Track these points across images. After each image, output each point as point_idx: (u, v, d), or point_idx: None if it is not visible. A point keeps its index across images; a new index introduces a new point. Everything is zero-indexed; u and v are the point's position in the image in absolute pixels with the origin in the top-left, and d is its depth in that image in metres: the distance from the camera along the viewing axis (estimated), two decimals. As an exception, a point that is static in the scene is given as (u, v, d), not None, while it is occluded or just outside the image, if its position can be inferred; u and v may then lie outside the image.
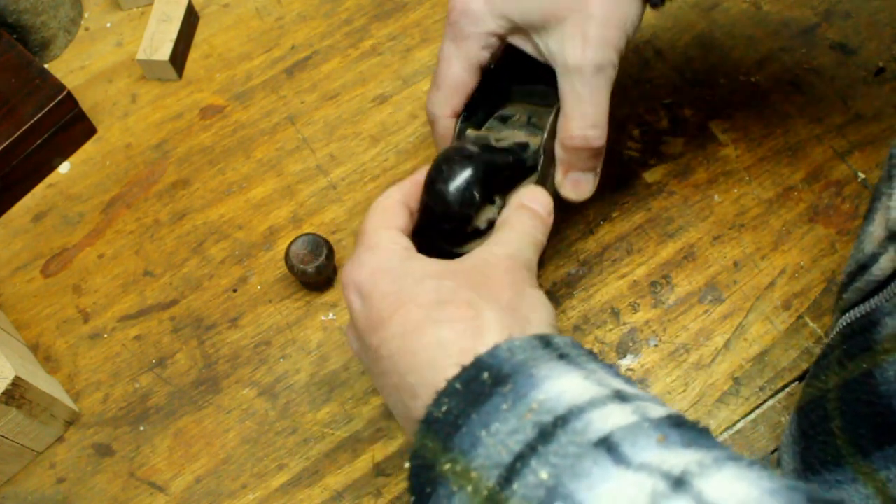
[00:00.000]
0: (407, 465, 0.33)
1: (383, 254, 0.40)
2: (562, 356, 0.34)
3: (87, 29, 0.74)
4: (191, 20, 0.72)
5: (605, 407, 0.31)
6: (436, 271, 0.39)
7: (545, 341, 0.35)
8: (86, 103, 0.69)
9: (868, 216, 0.45)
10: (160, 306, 0.61)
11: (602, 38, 0.43)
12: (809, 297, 0.58)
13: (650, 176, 0.63)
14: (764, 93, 0.66)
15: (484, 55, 0.46)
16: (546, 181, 0.47)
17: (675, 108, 0.66)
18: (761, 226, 0.61)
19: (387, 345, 0.37)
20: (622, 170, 0.63)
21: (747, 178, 0.63)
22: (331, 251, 0.58)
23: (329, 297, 0.61)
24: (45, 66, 0.69)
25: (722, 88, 0.66)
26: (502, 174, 0.44)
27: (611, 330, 0.58)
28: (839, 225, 0.60)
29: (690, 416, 0.55)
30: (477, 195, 0.42)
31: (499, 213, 0.44)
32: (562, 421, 0.30)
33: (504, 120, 0.49)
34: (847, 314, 0.45)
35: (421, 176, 0.44)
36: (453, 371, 0.33)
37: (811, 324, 0.57)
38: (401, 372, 0.36)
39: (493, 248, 0.41)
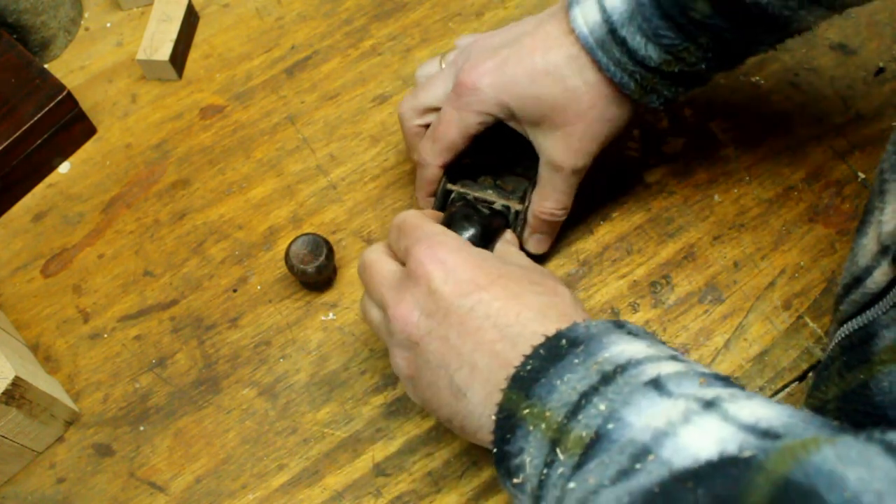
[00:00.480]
0: (493, 417, 0.38)
1: (454, 237, 0.45)
2: (631, 333, 0.39)
3: (87, 29, 0.74)
4: (191, 20, 0.72)
5: (659, 361, 0.36)
6: (512, 262, 0.46)
7: (619, 324, 0.40)
8: (86, 103, 0.69)
9: (860, 229, 0.45)
10: (160, 306, 0.61)
11: (584, 150, 0.52)
12: (809, 297, 0.58)
13: (650, 176, 0.63)
14: (764, 93, 0.66)
15: (479, 128, 0.52)
16: (521, 231, 0.57)
17: (675, 108, 0.66)
18: (761, 226, 0.61)
19: (486, 305, 0.41)
20: (622, 170, 0.64)
21: (747, 178, 0.63)
22: (331, 251, 0.58)
23: (329, 297, 0.61)
24: (45, 66, 0.69)
25: (722, 88, 0.66)
26: (498, 231, 0.53)
27: (611, 330, 0.58)
28: (839, 225, 0.60)
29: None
30: (490, 246, 0.51)
31: None
32: (621, 369, 0.36)
33: (473, 179, 0.57)
34: (844, 326, 0.46)
35: (429, 213, 0.51)
36: (555, 328, 0.39)
37: (811, 324, 0.57)
38: (501, 325, 0.40)
39: (526, 260, 0.49)
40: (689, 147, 0.64)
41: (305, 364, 0.58)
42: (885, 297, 0.43)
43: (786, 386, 0.55)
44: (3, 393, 0.51)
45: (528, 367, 0.38)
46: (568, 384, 0.36)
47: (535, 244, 0.58)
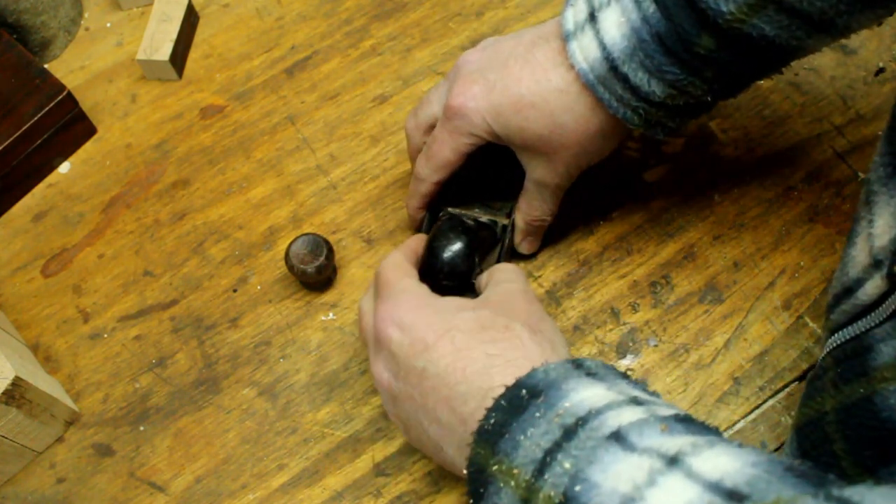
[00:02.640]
0: (465, 471, 0.39)
1: (416, 293, 0.46)
2: (589, 374, 0.39)
3: (87, 29, 0.74)
4: (191, 20, 0.72)
5: (619, 409, 0.36)
6: (469, 305, 0.46)
7: (577, 364, 0.40)
8: (86, 103, 0.69)
9: (849, 239, 0.45)
10: (160, 306, 0.61)
11: (568, 174, 0.53)
12: (809, 297, 0.58)
13: (650, 176, 0.63)
14: (764, 93, 0.66)
15: (471, 148, 0.53)
16: (509, 243, 0.59)
17: (675, 108, 0.66)
18: (761, 226, 0.61)
19: (434, 364, 0.42)
20: (622, 170, 0.63)
21: (747, 178, 0.63)
22: (331, 251, 0.58)
23: (329, 297, 0.61)
24: (45, 66, 0.69)
25: (722, 88, 0.66)
26: (486, 243, 0.56)
27: (611, 330, 0.58)
28: (839, 225, 0.60)
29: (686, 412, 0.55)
30: (476, 259, 0.54)
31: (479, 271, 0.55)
32: (582, 421, 0.36)
33: (463, 201, 0.59)
34: (835, 335, 0.46)
35: (415, 243, 0.53)
36: (500, 381, 0.39)
37: (811, 324, 0.57)
38: (451, 384, 0.41)
39: (508, 285, 0.48)
40: (689, 147, 0.64)
41: (305, 364, 0.58)
42: (876, 308, 0.43)
43: (786, 386, 0.55)
44: (3, 393, 0.51)
45: (492, 421, 0.38)
46: (531, 439, 0.36)
47: (527, 246, 0.60)
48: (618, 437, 0.34)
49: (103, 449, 0.57)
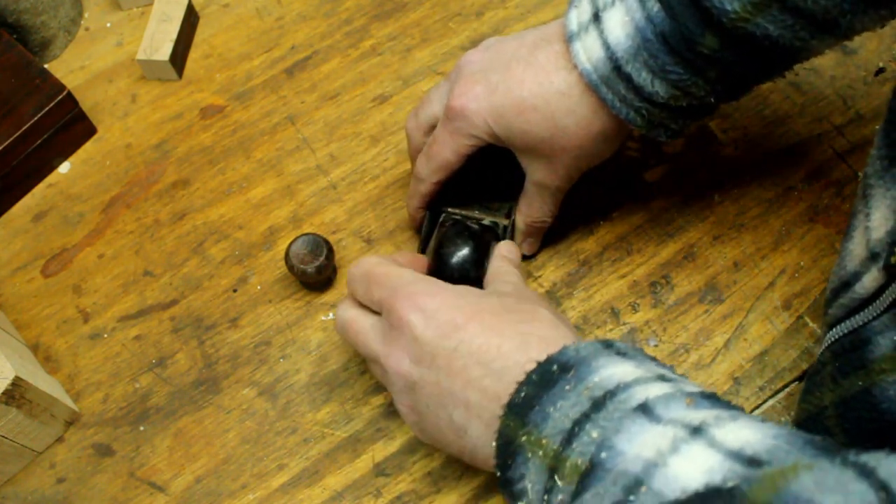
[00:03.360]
0: (493, 444, 0.39)
1: (428, 281, 0.46)
2: (620, 353, 0.40)
3: (87, 29, 0.74)
4: (191, 20, 0.72)
5: (647, 384, 0.37)
6: (489, 293, 0.46)
7: (607, 343, 0.40)
8: (86, 103, 0.69)
9: (847, 233, 0.45)
10: (160, 306, 0.61)
11: (568, 176, 0.54)
12: (809, 297, 0.58)
13: (650, 176, 0.63)
14: (764, 93, 0.66)
15: (471, 149, 0.53)
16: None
17: (675, 108, 0.66)
18: (761, 226, 0.61)
19: (468, 343, 0.42)
20: (622, 170, 0.63)
21: (747, 178, 0.63)
22: (331, 251, 0.58)
23: (329, 297, 0.61)
24: (45, 66, 0.69)
25: (722, 88, 0.66)
26: (489, 245, 0.56)
27: (611, 330, 0.58)
28: (839, 225, 0.60)
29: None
30: (485, 263, 0.54)
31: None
32: (610, 394, 0.36)
33: (462, 201, 0.59)
34: (834, 329, 0.46)
35: (403, 258, 0.52)
36: (536, 356, 0.40)
37: (811, 324, 0.57)
38: (485, 361, 0.41)
39: (514, 281, 0.50)
40: (689, 147, 0.64)
41: (305, 364, 0.59)
42: (874, 301, 0.43)
43: (786, 386, 0.55)
44: (3, 393, 0.51)
45: (523, 394, 0.38)
46: (561, 411, 0.37)
47: (528, 247, 0.60)
48: (644, 409, 0.35)
49: (103, 449, 0.57)
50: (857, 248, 0.44)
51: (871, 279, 0.42)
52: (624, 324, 0.58)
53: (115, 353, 0.60)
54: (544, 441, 0.37)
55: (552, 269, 0.60)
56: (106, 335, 0.61)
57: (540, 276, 0.60)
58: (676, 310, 0.58)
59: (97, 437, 0.57)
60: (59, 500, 0.55)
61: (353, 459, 0.55)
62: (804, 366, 0.56)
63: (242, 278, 0.62)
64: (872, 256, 0.42)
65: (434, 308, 0.43)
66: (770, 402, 0.55)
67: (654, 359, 0.41)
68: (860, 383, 0.41)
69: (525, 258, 0.60)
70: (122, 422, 0.58)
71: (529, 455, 0.37)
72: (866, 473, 0.27)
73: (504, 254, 0.54)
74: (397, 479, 0.54)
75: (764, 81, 0.49)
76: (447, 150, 0.53)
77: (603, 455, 0.34)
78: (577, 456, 0.35)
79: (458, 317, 0.43)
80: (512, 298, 0.45)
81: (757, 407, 0.55)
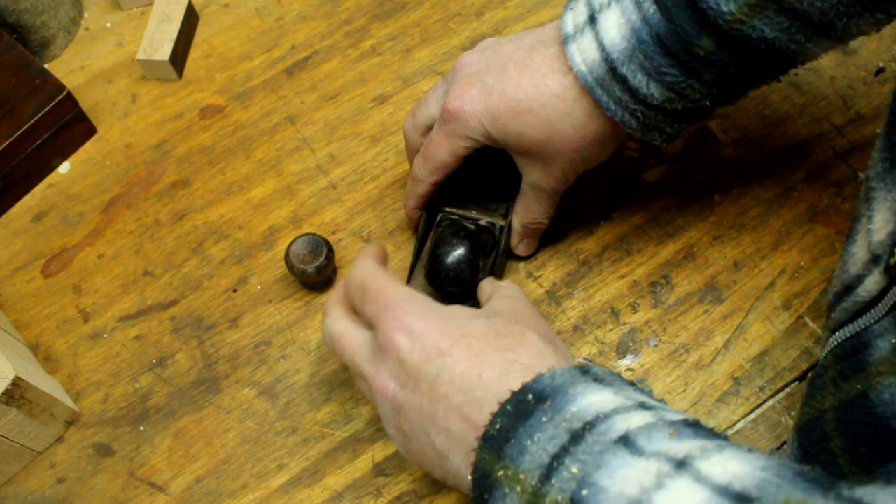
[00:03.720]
0: (469, 478, 0.38)
1: (420, 300, 0.44)
2: (597, 380, 0.39)
3: (87, 29, 0.74)
4: (191, 20, 0.72)
5: (627, 413, 0.36)
6: (480, 313, 0.45)
7: (583, 370, 0.39)
8: (86, 103, 0.69)
9: (849, 236, 0.45)
10: (160, 306, 0.61)
11: (564, 178, 0.54)
12: (809, 297, 0.58)
13: (650, 176, 0.63)
14: (764, 93, 0.66)
15: (468, 150, 0.53)
16: (505, 244, 0.59)
17: (675, 108, 0.66)
18: (761, 226, 0.61)
19: (450, 370, 0.41)
20: (622, 170, 0.63)
21: (747, 178, 0.63)
22: (331, 251, 0.58)
23: (329, 297, 0.61)
24: (45, 66, 0.69)
25: (722, 88, 0.66)
26: (486, 246, 0.56)
27: (611, 330, 0.58)
28: (839, 225, 0.60)
29: (690, 416, 0.55)
30: (480, 263, 0.54)
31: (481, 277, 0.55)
32: (589, 426, 0.35)
33: (459, 201, 0.59)
34: (836, 334, 0.46)
35: (374, 250, 0.50)
36: (521, 383, 0.38)
37: (811, 324, 0.57)
38: (466, 389, 0.40)
39: (512, 300, 0.48)
40: (689, 147, 0.64)
41: (305, 364, 0.59)
42: (877, 305, 0.43)
43: (786, 386, 0.55)
44: (3, 393, 0.51)
45: (498, 426, 0.37)
46: (538, 444, 0.36)
47: (524, 248, 0.60)
48: (626, 442, 0.34)
49: (103, 449, 0.57)
50: (859, 251, 0.44)
51: (872, 282, 0.42)
52: (624, 324, 0.58)
53: (115, 353, 0.60)
54: (522, 476, 0.35)
55: (552, 269, 0.60)
56: (106, 335, 0.61)
57: (540, 276, 0.60)
58: (676, 310, 0.58)
59: (97, 437, 0.57)
60: (59, 500, 0.55)
61: (353, 459, 0.55)
62: (804, 366, 0.56)
63: (242, 278, 0.62)
64: (874, 259, 0.42)
65: (420, 331, 0.42)
66: (770, 402, 0.55)
67: (632, 384, 0.40)
68: (859, 387, 0.40)
69: (524, 258, 0.60)
70: (122, 422, 0.58)
71: (507, 490, 0.36)
72: None
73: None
74: (397, 479, 0.54)
75: (760, 86, 0.48)
76: (443, 152, 0.53)
77: (584, 492, 0.33)
78: (557, 493, 0.34)
79: (443, 342, 0.42)
80: (502, 320, 0.44)
81: (757, 407, 0.55)
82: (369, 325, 0.45)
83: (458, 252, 0.53)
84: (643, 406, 0.37)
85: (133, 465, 0.56)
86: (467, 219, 0.57)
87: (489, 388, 0.40)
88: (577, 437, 0.35)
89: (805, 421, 0.45)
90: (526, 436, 0.36)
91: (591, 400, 0.37)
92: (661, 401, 0.39)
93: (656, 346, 0.57)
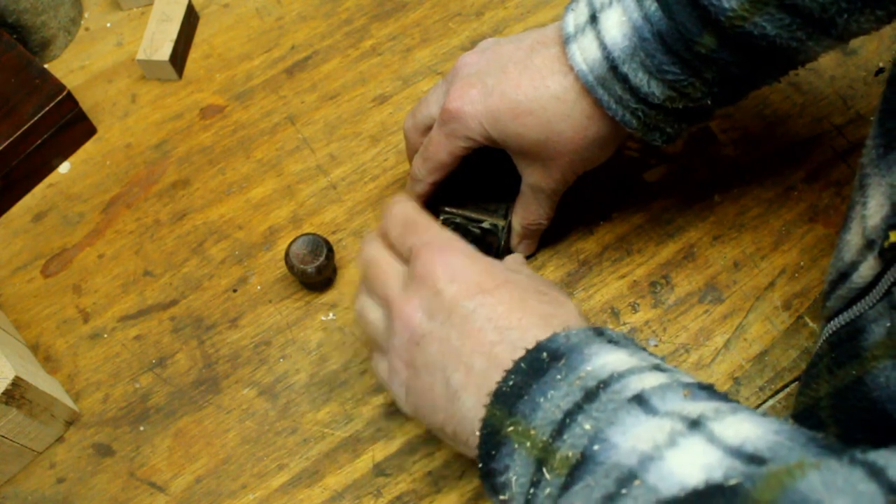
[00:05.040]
0: (477, 433, 0.38)
1: (463, 245, 0.44)
2: (612, 341, 0.39)
3: (87, 29, 0.74)
4: (191, 20, 0.72)
5: (642, 373, 0.36)
6: (521, 271, 0.45)
7: (598, 331, 0.39)
8: (86, 103, 0.69)
9: (844, 224, 0.45)
10: (160, 306, 0.61)
11: (564, 179, 0.54)
12: (809, 297, 0.58)
13: (650, 176, 0.63)
14: (764, 93, 0.66)
15: (466, 151, 0.53)
16: (505, 244, 0.60)
17: (675, 108, 0.66)
18: (761, 226, 0.61)
19: (488, 308, 0.41)
20: (622, 170, 0.63)
21: (747, 178, 0.63)
22: (331, 251, 0.58)
23: (329, 297, 0.61)
24: (45, 66, 0.69)
25: (722, 88, 0.66)
26: (490, 247, 0.56)
27: (611, 330, 0.58)
28: (839, 225, 0.60)
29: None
30: None
31: None
32: (604, 384, 0.35)
33: (459, 200, 0.58)
34: (831, 322, 0.46)
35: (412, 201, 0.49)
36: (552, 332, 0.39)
37: (811, 324, 0.57)
38: (503, 328, 0.40)
39: (528, 273, 0.48)
40: (689, 147, 0.64)
41: (305, 364, 0.59)
42: (871, 291, 0.43)
43: (786, 386, 0.55)
44: (3, 393, 0.51)
45: (511, 383, 0.37)
46: (552, 401, 0.36)
47: (524, 249, 0.60)
48: (640, 401, 0.34)
49: (103, 449, 0.57)
50: (854, 238, 0.44)
51: (867, 267, 0.42)
52: (624, 324, 0.58)
53: (115, 353, 0.60)
54: (532, 432, 0.35)
55: (552, 269, 0.60)
56: (106, 335, 0.61)
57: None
58: (676, 310, 0.58)
59: (97, 437, 0.57)
60: (59, 500, 0.55)
61: (353, 459, 0.55)
62: (804, 366, 0.56)
63: (242, 278, 0.62)
64: (869, 244, 0.42)
65: (462, 267, 0.42)
66: (770, 402, 0.55)
67: (645, 349, 0.40)
68: (854, 373, 0.41)
69: (524, 258, 0.61)
70: (122, 422, 0.58)
71: (516, 446, 0.36)
72: (875, 473, 0.26)
73: (516, 257, 0.53)
74: (397, 479, 0.54)
75: (761, 86, 0.48)
76: (442, 152, 0.53)
77: (595, 447, 0.33)
78: (568, 448, 0.34)
79: (486, 280, 0.42)
80: (542, 283, 0.44)
81: (757, 407, 0.55)
82: (407, 259, 0.44)
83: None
84: (658, 368, 0.37)
85: (133, 465, 0.56)
86: (471, 220, 0.57)
87: (527, 332, 0.40)
88: (591, 394, 0.35)
89: (800, 410, 0.45)
90: (539, 393, 0.36)
91: (606, 360, 0.37)
92: (675, 367, 0.39)
93: (656, 346, 0.57)
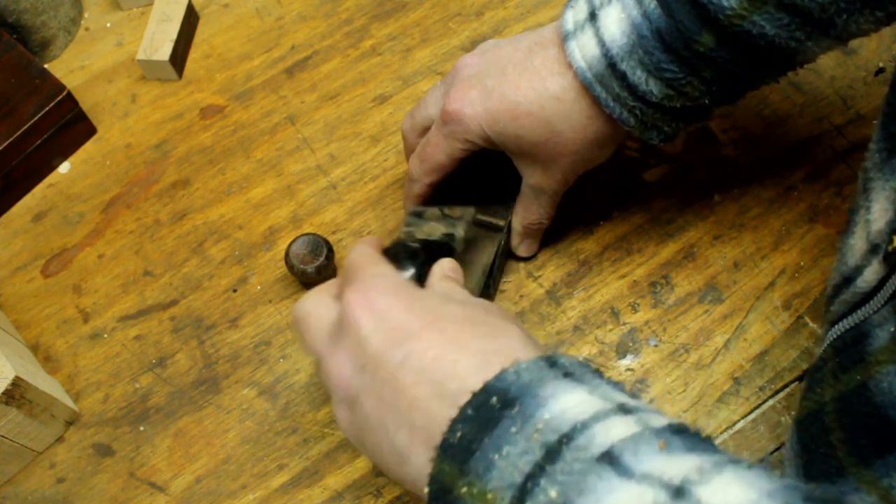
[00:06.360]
0: (426, 489, 0.34)
1: (393, 278, 0.42)
2: (567, 374, 0.35)
3: (87, 29, 0.74)
4: (191, 20, 0.72)
5: (607, 420, 0.32)
6: (455, 298, 0.41)
7: (551, 361, 0.36)
8: (86, 103, 0.69)
9: (847, 228, 0.45)
10: (160, 306, 0.61)
11: (564, 179, 0.53)
12: (809, 297, 0.58)
13: (650, 176, 0.63)
14: (764, 93, 0.66)
15: (465, 153, 0.53)
16: (505, 245, 0.59)
17: (675, 108, 0.66)
18: (761, 226, 0.61)
19: (419, 357, 0.37)
20: (622, 170, 0.63)
21: (747, 178, 0.63)
22: (331, 251, 0.58)
23: (329, 297, 0.61)
24: (45, 66, 0.69)
25: (722, 88, 0.66)
26: (436, 258, 0.49)
27: (611, 330, 0.58)
28: (839, 225, 0.60)
29: (690, 416, 0.55)
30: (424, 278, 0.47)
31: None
32: (566, 438, 0.31)
33: (419, 216, 0.55)
34: (836, 326, 0.46)
35: (377, 240, 0.48)
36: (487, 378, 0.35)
37: (811, 324, 0.57)
38: (437, 380, 0.36)
39: (465, 297, 0.44)
40: (689, 147, 0.64)
41: (305, 364, 0.58)
42: (876, 295, 0.43)
43: (786, 386, 0.55)
44: (3, 393, 0.51)
45: (459, 434, 0.33)
46: (508, 459, 0.31)
47: (525, 249, 0.60)
48: (611, 460, 0.30)
49: (103, 449, 0.57)
50: (857, 243, 0.44)
51: (871, 272, 0.42)
52: (624, 324, 0.58)
53: (115, 353, 0.60)
54: (490, 496, 0.31)
55: (552, 269, 0.60)
56: (106, 335, 0.61)
57: (540, 276, 0.60)
58: (676, 310, 0.58)
59: (97, 437, 0.57)
60: (59, 500, 0.55)
61: (353, 459, 0.55)
62: (804, 366, 0.56)
63: (242, 278, 0.62)
64: (873, 249, 0.42)
65: (387, 308, 0.38)
66: (770, 402, 0.55)
67: (601, 375, 0.37)
68: (858, 377, 0.40)
69: (524, 259, 0.60)
70: (122, 422, 0.58)
71: None
72: None
73: (447, 273, 0.46)
74: (397, 479, 0.54)
75: (759, 86, 0.48)
76: (440, 153, 0.53)
77: None
78: None
79: (412, 321, 0.38)
80: (480, 310, 0.40)
81: (757, 407, 0.55)
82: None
83: (407, 276, 0.47)
84: (623, 409, 0.33)
85: (133, 465, 0.56)
86: (413, 239, 0.52)
87: (466, 380, 0.35)
88: (553, 453, 0.31)
89: (804, 414, 0.45)
90: (493, 448, 0.32)
91: (565, 403, 0.33)
92: (634, 395, 0.36)
93: (656, 346, 0.57)
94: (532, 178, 0.54)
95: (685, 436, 0.32)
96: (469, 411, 0.34)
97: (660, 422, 0.32)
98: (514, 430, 0.32)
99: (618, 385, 0.36)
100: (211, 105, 0.69)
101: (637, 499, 0.28)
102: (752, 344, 0.57)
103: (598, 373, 0.37)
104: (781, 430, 0.54)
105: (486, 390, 0.34)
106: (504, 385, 0.34)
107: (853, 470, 0.39)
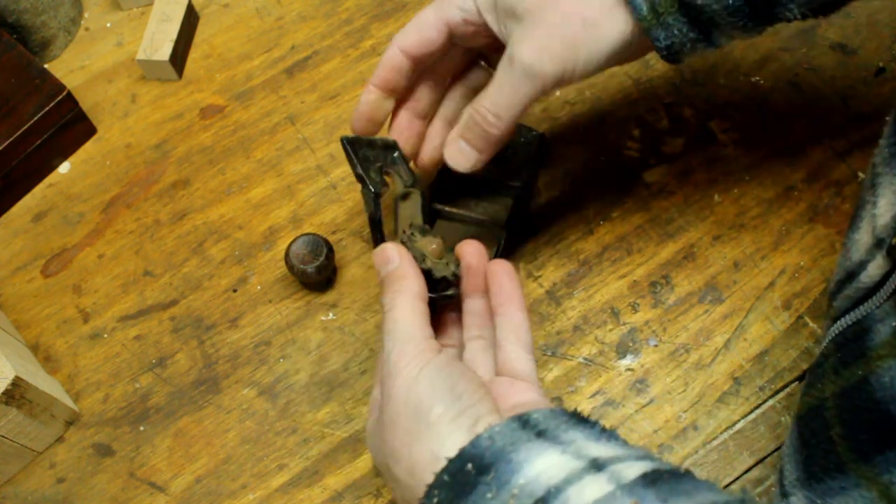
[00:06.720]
0: None
1: (408, 375, 0.41)
2: (539, 433, 0.35)
3: (87, 29, 0.74)
4: (191, 20, 0.72)
5: (580, 482, 0.32)
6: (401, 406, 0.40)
7: (523, 421, 0.36)
8: (86, 103, 0.69)
9: (853, 224, 0.45)
10: (160, 306, 0.61)
11: (550, 52, 0.44)
12: (809, 297, 0.58)
13: (650, 176, 0.63)
14: (764, 93, 0.66)
15: (456, 16, 0.47)
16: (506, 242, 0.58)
17: (674, 108, 0.66)
18: (761, 226, 0.61)
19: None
20: (622, 170, 0.63)
21: (747, 178, 0.63)
22: (331, 251, 0.58)
23: (329, 297, 0.61)
24: (45, 66, 0.69)
25: (722, 88, 0.66)
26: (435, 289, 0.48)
27: (611, 330, 0.58)
28: (839, 225, 0.60)
29: (690, 416, 0.55)
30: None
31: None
32: (541, 503, 0.31)
33: (424, 233, 0.51)
34: (838, 322, 0.46)
35: (417, 286, 0.45)
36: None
37: (811, 324, 0.57)
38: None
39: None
40: (689, 147, 0.64)
41: (305, 364, 0.58)
42: (879, 290, 0.43)
43: (786, 386, 0.55)
44: (3, 393, 0.51)
45: (435, 501, 0.34)
46: None
47: (454, 151, 0.49)
48: None
49: (103, 449, 0.57)
50: (863, 237, 0.43)
51: (875, 266, 0.42)
52: (624, 324, 0.58)
53: (115, 353, 0.60)
54: None
55: (552, 269, 0.60)
56: (106, 335, 0.61)
57: (540, 276, 0.60)
58: (676, 310, 0.58)
59: (97, 437, 0.57)
60: (59, 500, 0.55)
61: (353, 459, 0.55)
62: (804, 366, 0.56)
63: (242, 278, 0.62)
64: (878, 243, 0.42)
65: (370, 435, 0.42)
66: (770, 402, 0.55)
67: (577, 420, 0.37)
68: (860, 373, 0.40)
69: (524, 258, 0.60)
70: (122, 422, 0.58)
71: None
72: None
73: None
74: (397, 479, 0.54)
75: (780, 18, 0.42)
76: (431, 14, 0.47)
77: None
78: None
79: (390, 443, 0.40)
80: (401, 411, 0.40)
81: (757, 407, 0.55)
82: None
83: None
84: (596, 466, 0.33)
85: (133, 465, 0.56)
86: (468, 219, 0.56)
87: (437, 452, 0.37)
88: None
89: (805, 410, 0.45)
90: None
91: (539, 467, 0.33)
92: (611, 436, 0.36)
93: (656, 346, 0.57)
94: (515, 43, 0.44)
95: (659, 484, 0.32)
96: (445, 477, 0.34)
97: (633, 473, 0.32)
98: (489, 496, 0.33)
99: (593, 428, 0.36)
100: (211, 105, 0.69)
101: None
102: (752, 344, 0.57)
103: (571, 420, 0.37)
104: (781, 429, 0.54)
105: (462, 457, 0.34)
106: (479, 451, 0.34)
107: (853, 465, 0.39)
